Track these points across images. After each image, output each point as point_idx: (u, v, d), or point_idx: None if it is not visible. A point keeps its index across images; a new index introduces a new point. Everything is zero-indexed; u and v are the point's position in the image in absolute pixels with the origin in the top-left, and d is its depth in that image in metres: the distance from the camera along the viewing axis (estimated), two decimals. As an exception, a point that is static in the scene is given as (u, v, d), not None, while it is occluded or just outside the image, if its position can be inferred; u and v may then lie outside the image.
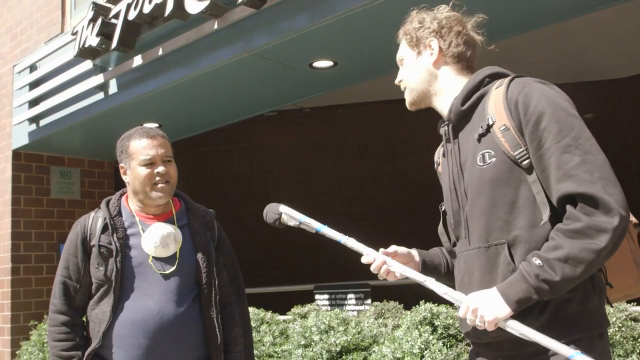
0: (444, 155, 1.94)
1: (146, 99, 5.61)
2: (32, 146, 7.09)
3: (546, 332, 1.57)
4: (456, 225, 1.86)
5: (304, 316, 4.72)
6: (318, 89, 5.83)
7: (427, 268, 1.99)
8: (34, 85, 6.71)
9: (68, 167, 7.63)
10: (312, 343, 4.08)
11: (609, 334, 3.35)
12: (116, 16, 5.20)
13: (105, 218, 2.44)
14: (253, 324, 4.50)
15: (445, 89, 1.88)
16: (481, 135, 1.74)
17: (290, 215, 2.00)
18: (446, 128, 1.88)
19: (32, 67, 6.81)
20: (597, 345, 1.62)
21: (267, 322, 4.78)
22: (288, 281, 7.69)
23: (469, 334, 1.82)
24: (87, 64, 5.79)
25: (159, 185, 2.43)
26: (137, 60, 5.28)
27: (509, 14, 4.20)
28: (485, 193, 1.71)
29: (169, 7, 4.64)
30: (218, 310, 2.49)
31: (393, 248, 1.93)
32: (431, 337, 3.61)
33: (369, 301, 5.07)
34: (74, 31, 5.61)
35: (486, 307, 1.60)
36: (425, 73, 1.89)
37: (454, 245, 1.92)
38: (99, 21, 5.25)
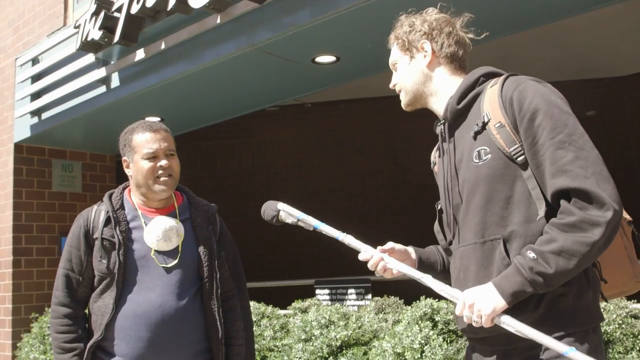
0: (439, 155, 1.96)
1: (148, 93, 5.62)
2: (34, 139, 7.09)
3: (541, 326, 1.59)
4: (451, 222, 1.88)
5: (304, 311, 4.73)
6: (320, 84, 5.83)
7: (423, 265, 2.01)
8: (36, 78, 6.71)
9: (70, 161, 7.64)
10: (313, 337, 4.10)
11: (608, 330, 3.37)
12: (119, 9, 5.20)
13: (108, 211, 2.45)
14: (254, 318, 4.51)
15: (440, 89, 1.91)
16: (477, 133, 1.76)
17: (289, 213, 2.01)
18: (442, 127, 1.90)
19: (35, 60, 6.81)
20: (591, 339, 1.64)
21: (267, 317, 4.80)
22: (289, 276, 7.72)
23: (465, 329, 1.84)
24: (90, 58, 5.79)
25: (162, 179, 2.44)
26: (140, 54, 5.29)
27: (509, 12, 4.19)
28: (481, 189, 1.73)
29: (172, 0, 4.64)
30: (219, 304, 2.50)
31: (390, 245, 1.95)
32: (431, 332, 3.63)
33: (369, 296, 5.09)
34: (77, 24, 5.61)
35: (482, 301, 1.62)
36: (419, 75, 1.92)
37: (450, 243, 1.94)
38: (102, 14, 5.25)
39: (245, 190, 9.17)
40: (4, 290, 7.07)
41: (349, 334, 4.02)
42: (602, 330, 3.40)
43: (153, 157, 2.44)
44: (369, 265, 1.88)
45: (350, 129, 9.05)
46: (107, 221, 2.43)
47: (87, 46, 5.52)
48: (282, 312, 4.98)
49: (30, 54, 6.86)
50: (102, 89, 5.84)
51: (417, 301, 3.96)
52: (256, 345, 4.36)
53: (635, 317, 3.49)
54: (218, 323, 2.47)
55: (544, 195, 1.65)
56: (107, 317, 2.36)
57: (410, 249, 2.03)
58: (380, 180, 9.03)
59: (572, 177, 1.56)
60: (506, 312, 1.62)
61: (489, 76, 1.84)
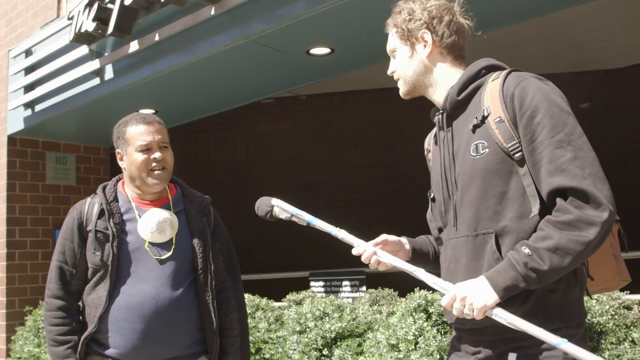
0: (435, 143, 1.95)
1: (142, 85, 5.60)
2: (27, 132, 7.07)
3: (529, 320, 1.61)
4: (445, 213, 1.88)
5: (299, 303, 4.74)
6: (315, 76, 5.82)
7: (417, 255, 2.03)
8: (29, 70, 6.68)
9: (64, 153, 7.62)
10: (307, 329, 4.11)
11: (601, 321, 3.39)
12: (112, 1, 5.17)
13: (101, 203, 2.44)
14: (248, 311, 4.52)
15: (440, 79, 1.89)
16: (476, 126, 1.76)
17: (282, 208, 2.02)
18: (440, 117, 1.89)
19: (28, 52, 6.78)
20: (576, 334, 1.66)
21: (262, 309, 4.80)
22: (283, 268, 7.72)
23: (452, 318, 1.84)
24: (83, 49, 5.76)
25: (156, 172, 2.44)
26: (134, 46, 5.26)
27: (504, 3, 4.19)
28: (477, 183, 1.74)
29: (166, -8, 4.63)
30: (214, 296, 2.50)
31: (383, 237, 1.96)
32: (425, 324, 3.64)
33: (364, 288, 5.10)
34: (70, 16, 5.58)
35: (474, 295, 1.62)
36: (419, 66, 1.90)
37: (440, 231, 1.95)
38: (95, 6, 5.22)
39: (240, 183, 9.16)
40: (-2, 283, 7.06)
41: (344, 326, 4.03)
42: (596, 321, 3.42)
43: (147, 149, 2.43)
44: (363, 259, 1.90)
45: (346, 121, 9.04)
46: (101, 213, 2.43)
47: (81, 38, 5.50)
48: (277, 304, 4.98)
49: (23, 46, 6.82)
50: (96, 80, 5.82)
51: (411, 293, 3.97)
52: (251, 337, 4.36)
53: (627, 308, 3.51)
54: (212, 314, 2.48)
55: (539, 193, 1.66)
56: (101, 309, 2.36)
57: (404, 240, 2.03)
58: (375, 173, 9.03)
59: (570, 177, 1.57)
60: (496, 305, 1.62)
61: (490, 69, 1.83)
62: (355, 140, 9.07)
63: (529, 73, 1.74)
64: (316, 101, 9.02)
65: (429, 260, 2.05)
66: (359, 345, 3.95)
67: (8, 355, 6.75)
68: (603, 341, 3.36)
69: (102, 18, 5.20)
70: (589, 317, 3.42)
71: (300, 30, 4.57)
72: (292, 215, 2.00)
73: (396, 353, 3.59)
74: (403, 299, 4.04)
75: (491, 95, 1.74)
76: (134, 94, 5.90)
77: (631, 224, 1.86)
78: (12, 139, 7.19)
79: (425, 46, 1.88)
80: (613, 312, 3.43)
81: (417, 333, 3.60)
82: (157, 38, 5.05)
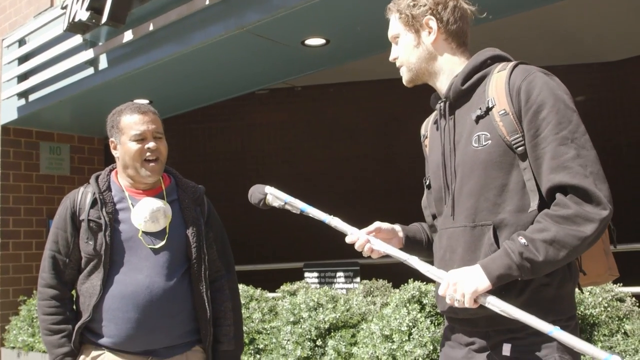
0: (436, 129, 1.93)
1: (136, 75, 5.57)
2: (21, 121, 7.04)
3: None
4: (440, 200, 1.87)
5: (293, 293, 4.75)
6: (310, 67, 5.80)
7: (410, 243, 2.02)
8: (23, 59, 6.64)
9: (58, 143, 7.59)
10: (301, 320, 4.11)
11: (594, 313, 3.41)
12: (106, -10, 5.14)
13: (94, 193, 2.44)
14: (242, 301, 4.52)
15: (444, 67, 1.87)
16: (479, 117, 1.75)
17: (276, 196, 2.01)
18: (442, 105, 1.87)
19: (21, 41, 6.74)
20: (567, 326, 1.67)
21: (256, 299, 4.81)
22: (278, 259, 7.73)
23: (445, 310, 1.84)
24: (77, 39, 5.73)
25: (150, 164, 2.44)
26: (128, 36, 5.23)
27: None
28: (477, 174, 1.73)
29: (160, -19, 4.60)
30: (207, 285, 2.50)
31: (376, 224, 1.95)
32: (419, 315, 3.65)
33: (358, 279, 5.11)
34: (64, 5, 5.54)
35: (465, 280, 1.63)
36: (424, 53, 1.87)
37: (434, 217, 1.94)
38: (89, -5, 5.18)
39: (235, 174, 9.15)
40: (-8, 273, 7.05)
41: (337, 317, 4.04)
42: (589, 314, 3.43)
43: (141, 139, 2.43)
44: (356, 247, 1.88)
45: (341, 112, 9.03)
46: (94, 203, 2.42)
47: (75, 27, 5.46)
48: (271, 295, 4.99)
49: (17, 35, 6.78)
50: (90, 70, 5.79)
51: (405, 284, 3.98)
52: (245, 328, 4.37)
53: (620, 300, 3.53)
54: (206, 304, 2.48)
55: (539, 188, 1.66)
56: (95, 298, 2.36)
57: (398, 227, 2.02)
58: (370, 164, 9.03)
59: (572, 174, 1.58)
60: (490, 294, 1.63)
61: (496, 59, 1.81)
62: (350, 132, 9.06)
63: (536, 67, 1.73)
64: (311, 92, 9.00)
65: (422, 248, 2.04)
66: (353, 336, 3.97)
67: (2, 345, 6.75)
68: (596, 333, 3.38)
69: (95, 7, 5.16)
70: (582, 309, 3.44)
71: (296, 21, 4.55)
72: (285, 203, 1.99)
73: (390, 344, 3.61)
74: (397, 290, 4.05)
75: (496, 87, 1.73)
76: (128, 84, 5.88)
77: (627, 217, 1.87)
78: (5, 129, 7.16)
79: (430, 33, 1.85)
80: (606, 305, 3.45)
81: (410, 324, 3.62)
82: (151, 28, 5.02)
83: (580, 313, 3.44)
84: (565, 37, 6.92)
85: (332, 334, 4.01)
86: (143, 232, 2.42)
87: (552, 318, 1.63)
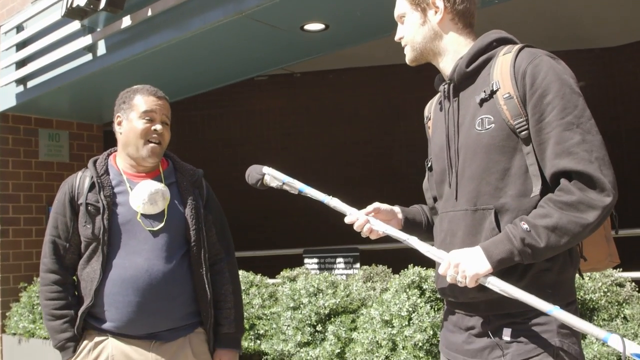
0: (440, 110, 1.91)
1: (135, 61, 5.54)
2: (19, 108, 7.01)
3: None
4: (441, 183, 1.87)
5: (293, 279, 4.76)
6: (309, 53, 5.77)
7: (409, 224, 2.01)
8: (21, 46, 6.60)
9: (57, 130, 7.56)
10: (301, 305, 4.12)
11: (594, 298, 3.42)
12: (104, -25, 5.10)
13: (92, 177, 2.44)
14: (242, 287, 4.53)
15: (450, 48, 1.85)
16: (483, 100, 1.73)
17: (273, 176, 2.00)
18: (446, 86, 1.85)
19: (19, 28, 6.70)
20: (567, 311, 1.66)
21: (256, 285, 4.82)
22: (277, 245, 7.73)
23: (445, 291, 1.84)
24: (75, 25, 5.69)
25: (151, 145, 2.45)
26: (126, 21, 5.20)
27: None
28: (480, 157, 1.72)
29: (159, -34, 4.56)
30: (207, 268, 2.51)
31: (375, 205, 1.95)
32: (419, 300, 3.66)
33: (357, 265, 5.11)
34: (62, -10, 5.50)
35: (468, 262, 1.63)
36: (429, 32, 1.85)
37: (435, 200, 1.93)
38: (87, -20, 5.15)
39: (234, 160, 9.14)
40: (-8, 260, 7.06)
41: (337, 302, 4.05)
42: (588, 298, 3.45)
43: (150, 119, 2.45)
44: (355, 227, 1.88)
45: (340, 99, 9.00)
46: (92, 186, 2.43)
47: (73, 13, 5.42)
48: (271, 280, 5.00)
49: (14, 21, 6.73)
50: (88, 56, 5.76)
51: (405, 269, 3.98)
52: (245, 314, 4.38)
53: (620, 285, 3.53)
54: (207, 286, 2.49)
55: (541, 173, 1.65)
56: (96, 282, 2.37)
57: (397, 209, 2.02)
58: (369, 150, 9.02)
59: (577, 160, 1.57)
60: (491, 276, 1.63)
61: (501, 41, 1.80)
62: (349, 118, 9.05)
63: (542, 50, 1.71)
64: (310, 78, 8.97)
65: (422, 230, 2.04)
66: (353, 321, 3.98)
67: (3, 332, 6.77)
68: (595, 318, 3.40)
69: (94, -7, 5.13)
70: (582, 294, 3.45)
71: (295, 6, 4.53)
72: (283, 184, 1.98)
73: (390, 329, 3.62)
74: (397, 276, 4.06)
75: (501, 70, 1.71)
76: (126, 70, 5.85)
77: (628, 203, 1.86)
78: (4, 116, 7.14)
79: (436, 12, 1.83)
80: (606, 289, 3.45)
81: (410, 309, 3.62)
82: (149, 13, 4.99)
83: (580, 298, 3.45)
84: (564, 22, 6.89)
85: (332, 319, 4.02)
86: (141, 214, 2.42)
87: (552, 303, 1.64)
